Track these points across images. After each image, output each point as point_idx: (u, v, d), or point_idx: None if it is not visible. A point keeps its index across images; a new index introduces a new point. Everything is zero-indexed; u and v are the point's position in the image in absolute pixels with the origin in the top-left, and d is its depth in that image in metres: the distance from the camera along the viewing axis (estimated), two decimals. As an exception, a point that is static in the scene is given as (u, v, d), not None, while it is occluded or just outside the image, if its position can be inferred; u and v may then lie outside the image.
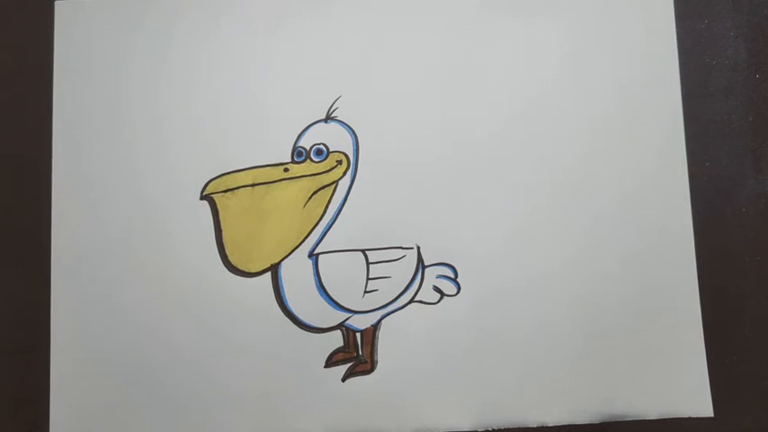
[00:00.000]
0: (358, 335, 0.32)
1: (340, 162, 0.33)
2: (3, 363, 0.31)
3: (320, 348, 0.32)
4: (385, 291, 0.32)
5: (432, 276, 0.32)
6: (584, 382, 0.31)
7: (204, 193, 0.33)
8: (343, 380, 0.32)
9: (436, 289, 0.32)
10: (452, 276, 0.32)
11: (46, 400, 0.32)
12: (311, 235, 0.32)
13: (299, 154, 0.32)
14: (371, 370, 0.32)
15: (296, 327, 0.32)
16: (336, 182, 0.32)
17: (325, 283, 0.32)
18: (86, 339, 0.32)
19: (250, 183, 0.33)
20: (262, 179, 0.33)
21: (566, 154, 0.32)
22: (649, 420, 0.31)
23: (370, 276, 0.32)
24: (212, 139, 0.33)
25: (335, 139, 0.31)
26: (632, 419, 0.31)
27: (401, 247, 0.32)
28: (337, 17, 0.32)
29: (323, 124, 0.32)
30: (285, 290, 0.32)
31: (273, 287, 0.32)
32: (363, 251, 0.32)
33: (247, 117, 0.33)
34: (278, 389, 0.32)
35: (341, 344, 0.32)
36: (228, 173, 0.33)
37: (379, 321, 0.32)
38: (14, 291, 0.31)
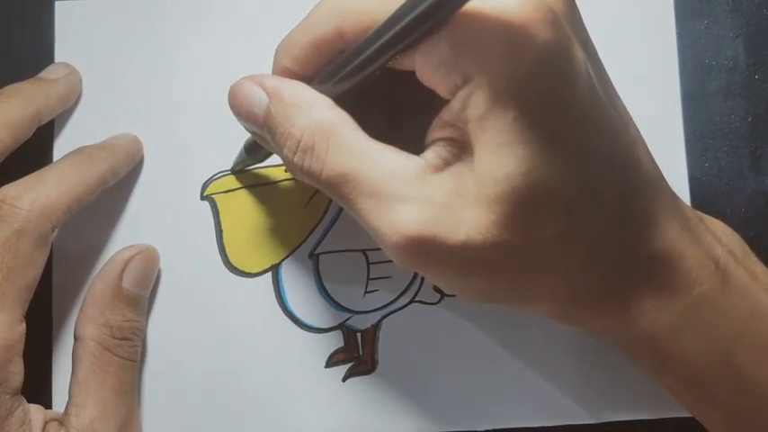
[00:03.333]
0: (358, 335, 0.32)
1: (341, 162, 0.32)
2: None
3: (320, 348, 0.32)
4: (385, 291, 0.32)
5: (432, 276, 0.32)
6: (585, 382, 0.31)
7: (205, 194, 0.33)
8: (344, 380, 0.32)
9: (436, 289, 0.32)
10: (453, 276, 0.32)
11: (48, 399, 0.32)
12: (312, 235, 0.32)
13: (299, 154, 0.32)
14: (372, 370, 0.32)
15: (296, 327, 0.32)
16: (337, 182, 0.32)
17: (325, 284, 0.32)
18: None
19: (251, 183, 0.33)
20: (263, 180, 0.33)
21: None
22: (649, 420, 0.31)
23: (371, 276, 0.32)
24: (213, 139, 0.33)
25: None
26: (632, 419, 0.31)
27: (401, 248, 0.32)
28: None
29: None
30: (286, 290, 0.32)
31: (274, 287, 0.32)
32: (364, 251, 0.32)
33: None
34: (278, 389, 0.32)
35: (341, 344, 0.32)
36: (229, 173, 0.33)
37: (380, 321, 0.32)
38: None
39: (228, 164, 0.33)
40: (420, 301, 0.32)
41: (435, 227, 0.23)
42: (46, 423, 0.29)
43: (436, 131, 0.24)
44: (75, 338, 0.30)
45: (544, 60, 0.22)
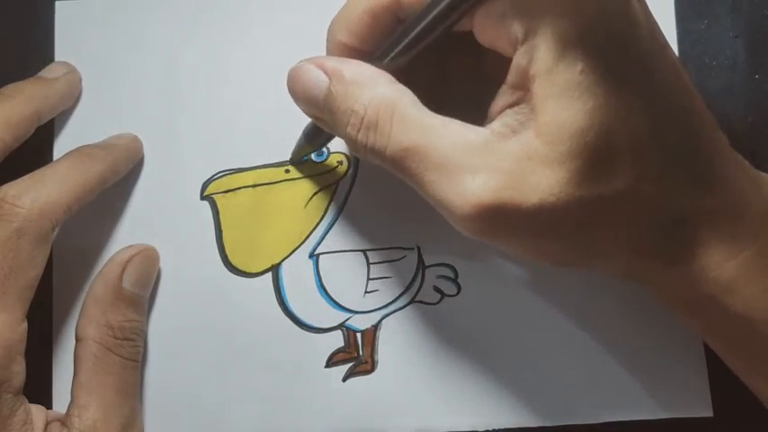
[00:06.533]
0: (358, 335, 0.32)
1: (341, 163, 0.33)
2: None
3: (321, 348, 0.32)
4: (385, 291, 0.32)
5: (432, 277, 0.32)
6: (584, 382, 0.31)
7: (205, 194, 0.33)
8: (344, 380, 0.32)
9: (436, 289, 0.32)
10: (453, 277, 0.32)
11: (48, 400, 0.32)
12: (312, 235, 0.32)
13: (299, 154, 0.32)
14: (372, 370, 0.32)
15: (296, 327, 0.32)
16: (337, 182, 0.32)
17: (325, 284, 0.32)
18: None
19: (251, 183, 0.33)
20: (263, 180, 0.33)
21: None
22: (649, 420, 0.31)
23: (371, 277, 0.32)
24: (213, 139, 0.33)
25: (336, 139, 0.31)
26: (631, 419, 0.31)
27: (402, 248, 0.32)
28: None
29: (324, 125, 0.32)
30: (286, 290, 0.32)
31: (274, 287, 0.32)
32: (364, 251, 0.32)
33: (248, 118, 0.33)
34: (278, 389, 0.32)
35: (341, 344, 0.32)
36: (229, 173, 0.33)
37: (380, 321, 0.32)
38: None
39: (228, 164, 0.33)
40: (420, 301, 0.32)
41: (507, 193, 0.23)
42: (48, 423, 0.29)
43: (503, 99, 0.24)
44: (77, 339, 0.30)
45: (606, 8, 0.23)
